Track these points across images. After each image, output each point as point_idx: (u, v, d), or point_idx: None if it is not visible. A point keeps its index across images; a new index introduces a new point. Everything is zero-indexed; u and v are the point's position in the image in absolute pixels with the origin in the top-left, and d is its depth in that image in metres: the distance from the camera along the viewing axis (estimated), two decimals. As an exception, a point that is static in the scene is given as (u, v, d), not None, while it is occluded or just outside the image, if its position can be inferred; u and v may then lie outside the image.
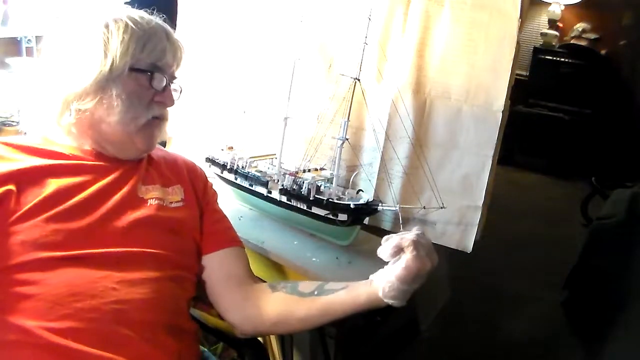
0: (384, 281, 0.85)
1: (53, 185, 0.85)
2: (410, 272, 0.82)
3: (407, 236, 0.84)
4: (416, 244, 0.82)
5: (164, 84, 0.93)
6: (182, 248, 0.95)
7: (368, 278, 0.91)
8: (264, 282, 1.07)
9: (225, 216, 1.08)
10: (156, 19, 0.95)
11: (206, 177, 1.10)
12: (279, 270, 1.26)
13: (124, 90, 0.89)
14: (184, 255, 0.95)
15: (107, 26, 0.89)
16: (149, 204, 0.93)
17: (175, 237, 0.94)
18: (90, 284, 0.81)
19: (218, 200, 1.10)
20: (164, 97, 0.94)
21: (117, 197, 0.90)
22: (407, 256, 0.82)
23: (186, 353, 0.90)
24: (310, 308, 0.92)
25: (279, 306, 0.94)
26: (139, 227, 0.90)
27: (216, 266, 1.00)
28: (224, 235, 1.04)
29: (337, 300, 0.91)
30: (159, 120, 0.96)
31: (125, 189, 0.92)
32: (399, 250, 0.84)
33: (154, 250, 0.89)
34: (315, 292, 0.93)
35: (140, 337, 0.82)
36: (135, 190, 0.93)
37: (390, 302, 0.86)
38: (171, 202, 0.97)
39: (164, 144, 1.67)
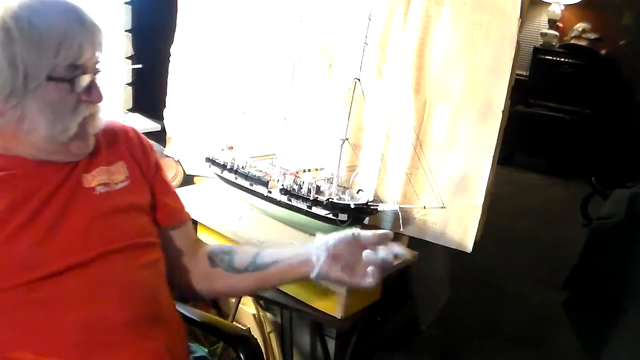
0: (323, 271, 0.90)
1: None
2: (347, 284, 0.92)
3: (381, 261, 0.86)
4: (378, 273, 0.86)
5: (87, 82, 0.82)
6: (143, 229, 0.92)
7: None
8: (204, 244, 1.08)
9: (173, 187, 1.06)
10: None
11: (142, 141, 1.00)
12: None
13: (45, 102, 0.79)
14: (148, 234, 0.93)
15: (7, 30, 0.76)
16: (97, 192, 0.87)
17: (133, 221, 0.91)
18: (67, 307, 0.79)
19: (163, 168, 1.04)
20: (90, 96, 0.84)
21: (64, 198, 0.84)
22: (361, 277, 0.87)
23: (176, 339, 0.90)
24: (248, 281, 1.00)
25: (220, 283, 1.02)
26: (97, 223, 0.85)
27: (170, 240, 1.00)
28: (176, 208, 1.03)
29: (270, 276, 0.99)
30: (90, 117, 0.86)
31: (68, 185, 0.85)
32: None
33: (121, 244, 0.86)
34: (249, 269, 0.99)
35: (128, 336, 0.81)
36: (79, 183, 0.86)
37: (314, 282, 0.94)
38: (116, 183, 0.91)
39: (164, 143, 1.67)
